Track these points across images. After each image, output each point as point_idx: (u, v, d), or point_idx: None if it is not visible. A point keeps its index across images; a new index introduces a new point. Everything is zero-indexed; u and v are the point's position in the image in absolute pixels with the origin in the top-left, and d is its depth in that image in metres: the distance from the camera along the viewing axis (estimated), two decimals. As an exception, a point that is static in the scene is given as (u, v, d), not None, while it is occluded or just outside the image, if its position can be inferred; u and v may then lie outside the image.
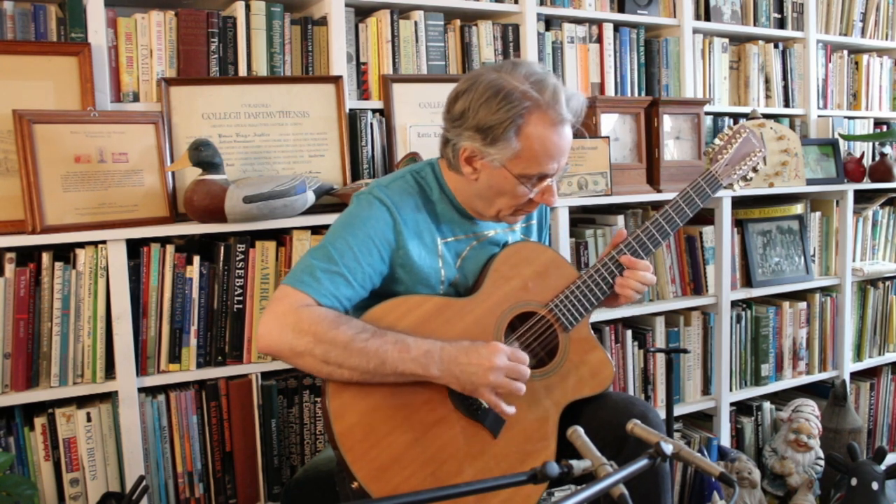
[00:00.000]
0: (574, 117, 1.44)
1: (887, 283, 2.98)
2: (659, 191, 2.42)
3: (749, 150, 1.73)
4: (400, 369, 1.32)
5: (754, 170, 1.75)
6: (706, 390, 2.55)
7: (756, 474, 2.44)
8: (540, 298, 1.52)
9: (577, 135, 1.49)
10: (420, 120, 2.18)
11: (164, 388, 1.84)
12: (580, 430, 1.03)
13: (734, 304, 2.57)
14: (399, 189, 1.47)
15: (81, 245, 1.71)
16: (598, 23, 2.49)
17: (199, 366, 1.85)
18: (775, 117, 2.88)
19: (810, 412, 2.57)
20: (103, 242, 1.71)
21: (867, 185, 2.85)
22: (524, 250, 1.55)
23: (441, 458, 1.36)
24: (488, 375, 1.32)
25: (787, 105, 2.93)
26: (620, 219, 2.36)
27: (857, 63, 3.14)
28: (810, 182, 2.71)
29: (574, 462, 0.96)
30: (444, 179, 1.52)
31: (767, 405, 2.74)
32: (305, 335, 1.31)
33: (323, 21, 2.09)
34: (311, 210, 1.92)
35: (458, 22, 2.30)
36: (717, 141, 1.74)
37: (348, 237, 1.40)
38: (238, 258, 1.86)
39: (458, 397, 1.40)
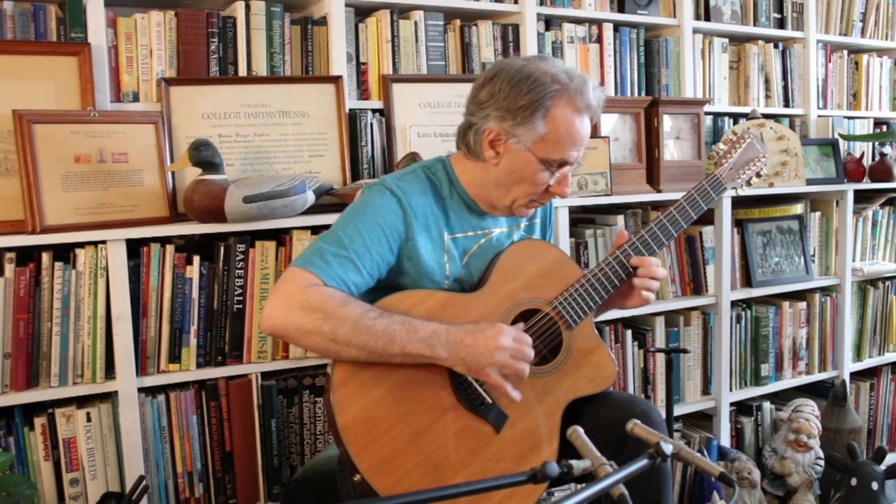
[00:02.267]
0: (598, 108, 1.49)
1: (887, 283, 2.98)
2: (659, 191, 2.42)
3: (753, 155, 1.75)
4: (407, 349, 1.33)
5: (758, 175, 1.76)
6: (706, 390, 2.55)
7: (756, 474, 2.44)
8: (544, 296, 1.52)
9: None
10: (420, 120, 2.18)
11: (164, 388, 1.84)
12: (580, 429, 1.04)
13: (734, 304, 2.57)
14: (411, 182, 1.49)
15: (81, 245, 1.71)
16: (598, 23, 2.49)
17: (198, 366, 1.85)
18: (775, 117, 2.88)
19: (810, 412, 2.57)
20: (103, 242, 1.71)
21: (867, 185, 2.85)
22: (529, 248, 1.56)
23: (444, 452, 1.37)
24: (494, 355, 1.34)
25: (786, 105, 2.93)
26: (620, 219, 2.36)
27: (856, 63, 3.14)
28: (810, 182, 2.71)
29: (574, 462, 0.96)
30: (455, 175, 1.53)
31: (767, 405, 2.74)
32: (314, 312, 1.31)
33: (323, 21, 2.09)
34: (311, 210, 1.92)
35: (457, 22, 2.30)
36: (720, 145, 1.75)
37: (359, 224, 1.41)
38: (238, 258, 1.86)
39: (462, 392, 1.40)
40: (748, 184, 1.76)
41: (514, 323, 1.49)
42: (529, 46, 2.34)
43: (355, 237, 1.40)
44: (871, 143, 3.06)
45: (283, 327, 1.34)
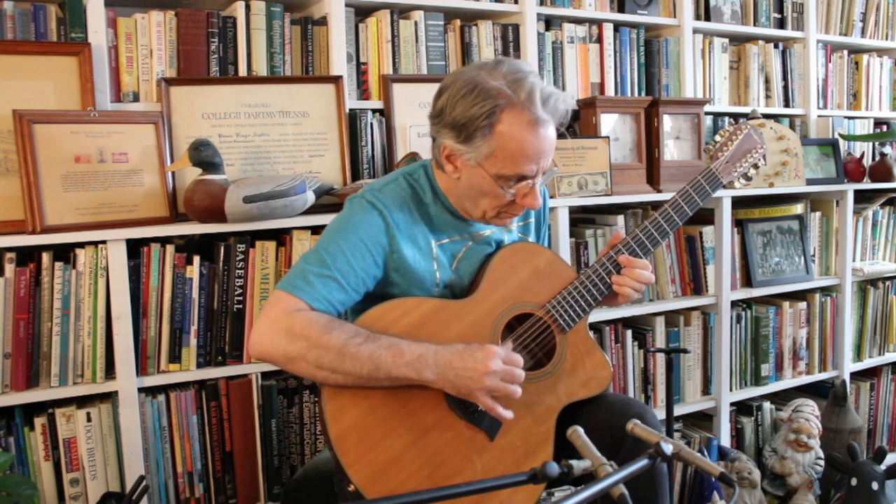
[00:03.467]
0: (555, 118, 1.40)
1: (887, 283, 2.98)
2: (659, 191, 2.42)
3: (750, 146, 1.72)
4: (394, 374, 1.31)
5: (755, 167, 1.74)
6: (706, 390, 2.55)
7: (756, 474, 2.44)
8: (537, 300, 1.51)
9: (560, 135, 1.46)
10: (420, 120, 2.18)
11: (164, 388, 1.84)
12: (580, 430, 1.03)
13: (734, 304, 2.57)
14: (391, 192, 1.46)
15: (81, 245, 1.71)
16: (598, 23, 2.49)
17: (199, 366, 1.85)
18: (775, 117, 2.88)
19: (810, 412, 2.57)
20: (103, 242, 1.71)
21: (867, 185, 2.85)
22: (521, 251, 1.54)
23: (438, 460, 1.36)
24: (484, 380, 1.31)
25: (787, 105, 2.93)
26: (620, 219, 2.36)
27: (857, 63, 3.14)
28: (810, 182, 2.71)
29: (574, 462, 0.96)
30: (436, 181, 1.51)
31: (767, 405, 2.73)
32: (298, 340, 1.30)
33: (323, 21, 2.09)
34: (311, 210, 1.92)
35: (458, 22, 2.30)
36: (717, 138, 1.73)
37: (341, 241, 1.39)
38: (238, 258, 1.86)
39: (455, 400, 1.39)
40: (746, 177, 1.73)
41: (507, 327, 1.49)
42: (529, 46, 2.34)
43: (338, 255, 1.38)
44: (871, 143, 3.06)
45: (269, 353, 1.33)
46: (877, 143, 3.02)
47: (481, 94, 1.34)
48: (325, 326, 1.31)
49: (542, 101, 1.36)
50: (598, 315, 2.26)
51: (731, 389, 2.57)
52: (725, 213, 2.49)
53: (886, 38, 3.19)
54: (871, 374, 3.00)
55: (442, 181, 1.50)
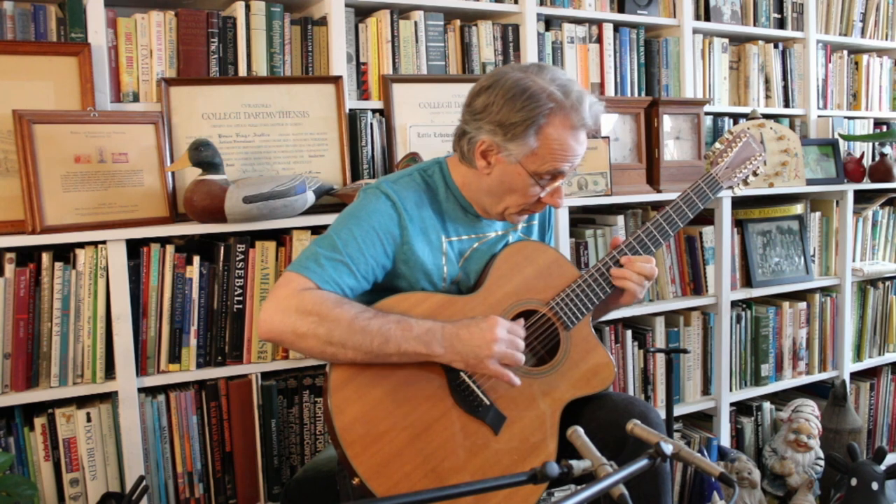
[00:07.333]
0: (592, 123, 1.46)
1: (887, 283, 2.98)
2: (659, 191, 2.42)
3: (749, 154, 1.75)
4: (403, 348, 1.33)
5: (754, 173, 1.77)
6: (706, 390, 2.55)
7: (756, 474, 2.44)
8: (541, 297, 1.53)
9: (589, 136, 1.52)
10: (420, 120, 2.19)
11: (164, 389, 1.84)
12: (580, 430, 1.04)
13: (734, 304, 2.57)
14: (406, 185, 1.49)
15: (81, 245, 1.71)
16: (598, 23, 2.49)
17: (199, 366, 1.85)
18: (775, 117, 2.88)
19: (810, 412, 2.57)
20: (103, 242, 1.71)
21: (867, 185, 2.85)
22: (526, 249, 1.56)
23: (441, 454, 1.37)
24: (492, 346, 1.35)
25: (787, 105, 2.93)
26: (620, 219, 2.36)
27: (856, 63, 3.14)
28: (810, 182, 2.72)
29: (574, 462, 0.96)
30: (451, 177, 1.53)
31: (767, 405, 2.74)
32: (309, 315, 1.32)
33: (323, 21, 2.09)
34: (311, 210, 1.92)
35: (457, 22, 2.30)
36: (717, 145, 1.76)
37: (353, 228, 1.42)
38: (238, 258, 1.86)
39: (460, 394, 1.40)
40: (745, 182, 1.77)
41: None
42: (529, 47, 2.34)
43: (349, 241, 1.40)
44: (871, 143, 3.06)
45: (279, 332, 1.35)
46: (877, 143, 3.02)
47: (533, 97, 1.39)
48: (336, 302, 1.34)
49: (588, 107, 1.43)
50: (602, 318, 2.25)
51: (730, 389, 2.57)
52: (725, 214, 2.49)
53: (886, 38, 3.19)
54: (871, 374, 3.00)
55: (461, 176, 1.52)
